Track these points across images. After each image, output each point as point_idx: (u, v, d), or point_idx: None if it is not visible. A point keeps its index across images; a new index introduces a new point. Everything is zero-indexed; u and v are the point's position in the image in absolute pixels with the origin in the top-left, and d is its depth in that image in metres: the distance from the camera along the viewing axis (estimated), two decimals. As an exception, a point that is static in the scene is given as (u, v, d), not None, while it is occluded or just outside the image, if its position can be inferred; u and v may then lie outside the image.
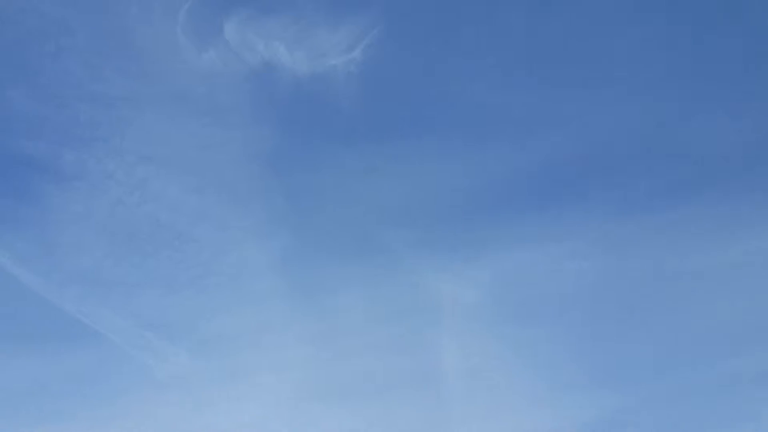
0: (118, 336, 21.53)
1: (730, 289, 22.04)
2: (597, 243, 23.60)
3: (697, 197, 23.42)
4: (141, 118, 23.28)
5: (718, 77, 23.93)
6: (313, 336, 22.69)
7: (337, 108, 24.26)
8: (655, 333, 22.13)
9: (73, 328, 21.51)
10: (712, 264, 22.56)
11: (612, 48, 24.33)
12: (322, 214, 24.34)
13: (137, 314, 22.07)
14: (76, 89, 22.82)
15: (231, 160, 23.86)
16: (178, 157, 23.62)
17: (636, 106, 24.40)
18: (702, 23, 24.14)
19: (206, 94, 23.53)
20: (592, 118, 24.58)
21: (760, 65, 23.58)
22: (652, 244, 23.28)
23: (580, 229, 23.52)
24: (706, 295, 22.26)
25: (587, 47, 24.42)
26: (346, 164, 24.63)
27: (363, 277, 23.63)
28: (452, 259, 23.75)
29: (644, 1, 24.42)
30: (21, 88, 22.66)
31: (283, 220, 23.99)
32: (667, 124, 24.31)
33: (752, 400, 20.71)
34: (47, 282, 21.72)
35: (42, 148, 22.86)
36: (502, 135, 25.02)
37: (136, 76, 23.22)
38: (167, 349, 21.62)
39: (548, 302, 23.14)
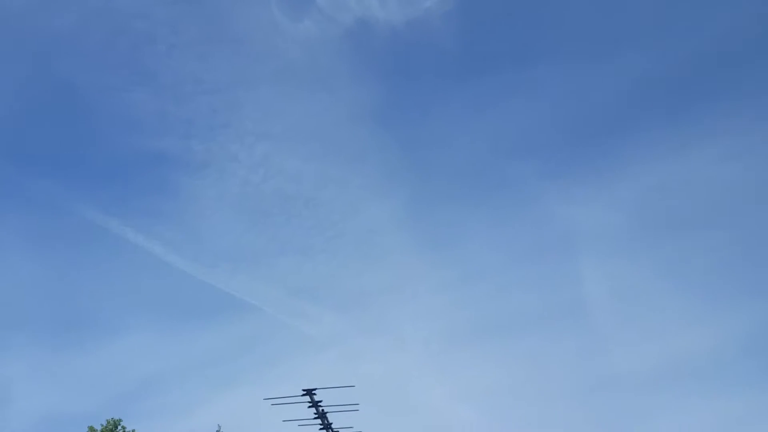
0: (268, 304, 22.99)
1: None
2: (746, 142, 21.74)
3: None
4: (253, 98, 24.41)
5: None
6: (450, 282, 22.91)
7: (438, 50, 23.95)
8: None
9: (229, 302, 23.23)
10: None
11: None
12: (440, 159, 24.26)
13: (282, 282, 23.40)
14: (191, 82, 24.28)
15: (342, 121, 24.41)
16: (292, 128, 24.55)
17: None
18: None
19: (308, 63, 24.19)
20: (716, 19, 22.40)
21: None
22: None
23: (726, 130, 21.77)
24: None
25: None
26: (456, 105, 24.30)
27: (492, 218, 23.41)
28: (583, 185, 22.87)
29: None
30: (142, 89, 24.47)
31: (402, 171, 24.22)
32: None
33: None
34: (197, 264, 23.53)
35: (171, 142, 24.62)
36: (617, 49, 23.57)
37: (243, 59, 24.33)
38: (314, 311, 22.78)
39: (699, 212, 21.72)
